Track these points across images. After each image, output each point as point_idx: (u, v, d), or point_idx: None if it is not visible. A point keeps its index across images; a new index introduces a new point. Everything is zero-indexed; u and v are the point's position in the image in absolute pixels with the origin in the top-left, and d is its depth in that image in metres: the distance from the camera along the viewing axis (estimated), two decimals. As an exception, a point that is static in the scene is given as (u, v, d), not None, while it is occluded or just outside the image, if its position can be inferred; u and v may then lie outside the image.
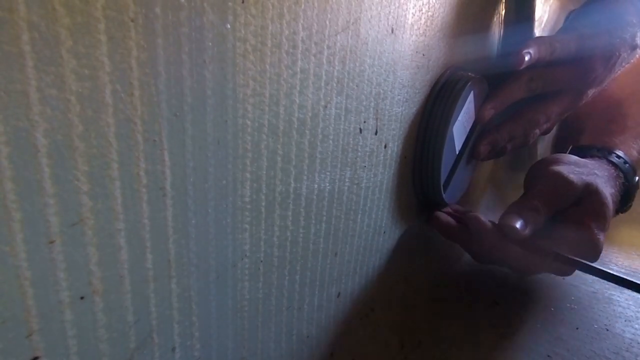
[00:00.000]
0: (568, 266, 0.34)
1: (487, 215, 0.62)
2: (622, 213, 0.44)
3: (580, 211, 0.36)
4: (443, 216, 0.39)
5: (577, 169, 0.38)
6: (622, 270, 0.51)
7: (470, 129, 0.38)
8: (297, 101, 0.22)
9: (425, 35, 0.31)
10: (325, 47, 0.22)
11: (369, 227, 0.32)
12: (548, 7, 0.51)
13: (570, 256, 0.33)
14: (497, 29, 0.42)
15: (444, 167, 0.35)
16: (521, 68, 0.35)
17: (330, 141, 0.25)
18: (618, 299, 0.45)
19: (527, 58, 0.35)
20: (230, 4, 0.17)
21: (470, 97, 0.35)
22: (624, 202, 0.42)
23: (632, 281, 0.29)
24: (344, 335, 0.33)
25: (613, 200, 0.37)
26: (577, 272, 0.52)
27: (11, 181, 0.12)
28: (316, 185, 0.25)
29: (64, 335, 0.15)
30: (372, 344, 0.36)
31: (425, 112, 0.33)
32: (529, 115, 0.41)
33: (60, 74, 0.13)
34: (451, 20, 0.33)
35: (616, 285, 0.48)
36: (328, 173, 0.25)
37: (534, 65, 0.36)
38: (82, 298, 0.15)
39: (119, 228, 0.16)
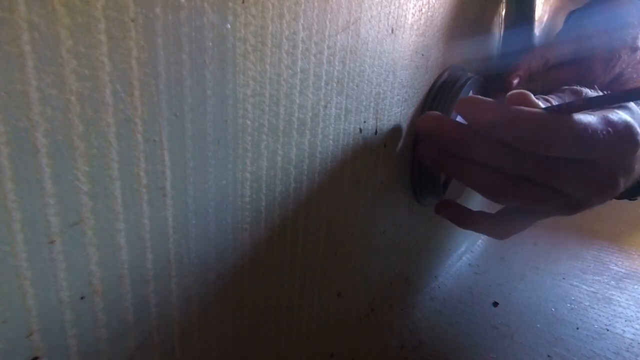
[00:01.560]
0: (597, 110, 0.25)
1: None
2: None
3: None
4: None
5: None
6: (622, 271, 0.52)
7: (470, 129, 0.38)
8: (297, 101, 0.22)
9: (424, 36, 0.31)
10: (325, 47, 0.22)
11: (369, 227, 0.32)
12: (548, 8, 0.51)
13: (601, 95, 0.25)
14: (497, 29, 0.42)
15: (444, 167, 0.35)
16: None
17: (330, 141, 0.25)
18: (618, 299, 0.45)
19: (515, 81, 0.36)
20: (230, 4, 0.17)
21: (470, 97, 0.35)
22: None
23: None
24: (344, 335, 0.33)
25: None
26: (577, 271, 0.52)
27: (11, 181, 0.12)
28: (316, 186, 0.25)
29: (64, 335, 0.15)
30: (372, 344, 0.36)
31: (424, 112, 0.33)
32: None
33: (60, 74, 0.13)
34: (451, 21, 0.33)
35: (617, 285, 0.48)
36: (328, 173, 0.25)
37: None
38: (82, 298, 0.15)
39: (119, 228, 0.16)
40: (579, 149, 0.25)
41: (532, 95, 0.26)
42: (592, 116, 0.25)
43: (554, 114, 0.25)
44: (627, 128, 0.26)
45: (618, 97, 0.25)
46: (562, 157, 0.26)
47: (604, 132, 0.25)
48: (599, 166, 0.26)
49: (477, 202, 0.56)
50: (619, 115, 0.26)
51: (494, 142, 0.27)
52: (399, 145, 0.32)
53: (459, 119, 0.34)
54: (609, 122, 0.25)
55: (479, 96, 0.28)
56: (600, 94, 0.28)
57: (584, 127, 0.25)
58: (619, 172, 0.27)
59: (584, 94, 0.28)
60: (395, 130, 0.31)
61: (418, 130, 0.31)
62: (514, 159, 0.26)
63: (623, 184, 0.28)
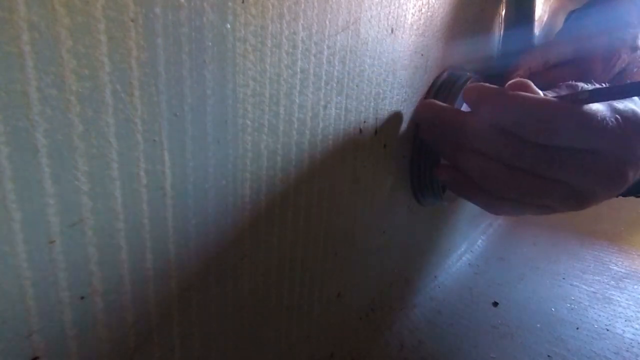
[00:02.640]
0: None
1: (486, 215, 0.62)
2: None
3: None
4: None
5: None
6: (622, 271, 0.52)
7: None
8: (297, 101, 0.22)
9: (424, 36, 0.31)
10: (325, 47, 0.22)
11: (369, 227, 0.32)
12: (548, 7, 0.51)
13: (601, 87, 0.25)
14: (497, 29, 0.42)
15: (444, 167, 0.35)
16: None
17: (330, 141, 0.25)
18: (618, 299, 0.45)
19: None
20: (230, 4, 0.17)
21: (470, 97, 0.35)
22: None
23: None
24: (344, 335, 0.33)
25: None
26: (577, 271, 0.52)
27: (11, 181, 0.12)
28: (316, 186, 0.25)
29: (64, 335, 0.15)
30: (372, 344, 0.36)
31: (425, 112, 0.33)
32: None
33: (60, 74, 0.13)
34: (450, 21, 0.33)
35: (617, 285, 0.48)
36: (328, 173, 0.25)
37: None
38: (82, 298, 0.15)
39: (119, 228, 0.16)
40: (584, 138, 0.24)
41: (533, 84, 0.26)
42: (599, 104, 0.24)
43: (558, 100, 0.24)
44: (635, 115, 0.24)
45: (624, 89, 0.24)
46: (566, 147, 0.25)
47: (612, 120, 0.24)
48: (606, 157, 0.25)
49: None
50: (625, 104, 0.25)
51: (494, 130, 0.26)
52: (399, 145, 0.32)
53: (464, 107, 0.34)
54: (616, 110, 0.24)
55: (485, 83, 0.27)
56: (598, 86, 0.27)
57: (592, 114, 0.23)
58: (627, 163, 0.26)
59: (580, 88, 0.27)
60: (395, 130, 0.31)
61: (417, 117, 0.31)
62: (514, 149, 0.26)
63: (632, 176, 0.26)
